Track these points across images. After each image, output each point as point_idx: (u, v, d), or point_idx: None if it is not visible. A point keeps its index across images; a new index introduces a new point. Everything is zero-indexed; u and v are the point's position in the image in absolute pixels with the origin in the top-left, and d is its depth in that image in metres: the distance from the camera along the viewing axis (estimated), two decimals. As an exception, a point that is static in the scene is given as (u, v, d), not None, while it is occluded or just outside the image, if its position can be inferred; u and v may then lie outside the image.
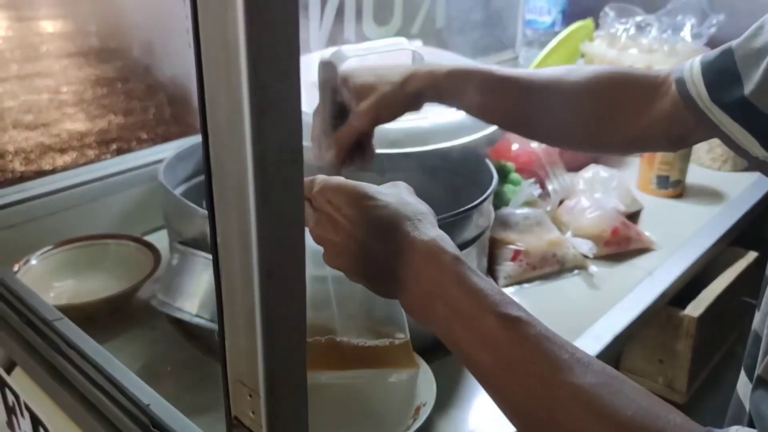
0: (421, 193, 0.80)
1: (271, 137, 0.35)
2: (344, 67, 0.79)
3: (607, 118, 0.75)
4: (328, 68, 0.79)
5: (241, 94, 0.33)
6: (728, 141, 0.66)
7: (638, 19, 1.37)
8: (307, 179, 0.56)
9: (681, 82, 0.69)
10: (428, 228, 0.52)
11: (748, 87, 0.62)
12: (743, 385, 0.57)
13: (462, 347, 0.48)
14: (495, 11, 1.73)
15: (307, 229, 0.55)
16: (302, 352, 0.41)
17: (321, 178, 0.55)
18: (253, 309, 0.38)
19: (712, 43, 1.33)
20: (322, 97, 0.80)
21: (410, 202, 0.54)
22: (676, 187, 1.19)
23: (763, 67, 0.61)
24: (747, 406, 0.52)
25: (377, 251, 0.51)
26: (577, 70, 0.77)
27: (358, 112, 0.75)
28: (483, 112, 0.79)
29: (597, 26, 1.44)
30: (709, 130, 0.68)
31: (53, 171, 0.90)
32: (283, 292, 0.38)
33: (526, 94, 0.76)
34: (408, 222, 0.52)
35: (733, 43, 0.66)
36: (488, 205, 0.87)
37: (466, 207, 0.80)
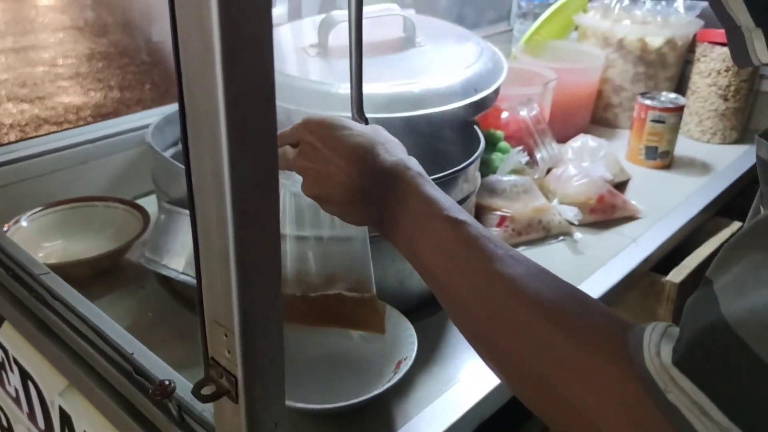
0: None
1: (243, 78, 0.35)
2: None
3: None
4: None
5: (212, 32, 0.34)
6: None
7: (632, -10, 1.36)
8: (286, 129, 0.60)
9: None
10: (397, 152, 0.58)
11: None
12: None
13: (417, 251, 0.53)
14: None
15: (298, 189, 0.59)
16: (277, 292, 0.42)
17: (304, 117, 0.60)
18: (227, 249, 0.39)
19: (704, 15, 1.33)
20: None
21: (383, 134, 0.60)
22: (664, 158, 1.20)
23: None
24: None
25: (353, 176, 0.56)
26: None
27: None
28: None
29: (591, -3, 1.44)
30: None
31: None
32: (257, 231, 0.39)
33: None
34: (380, 146, 0.57)
35: None
36: (474, 170, 0.88)
37: (451, 170, 0.81)
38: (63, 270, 0.80)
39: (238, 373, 0.42)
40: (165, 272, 0.76)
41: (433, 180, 0.79)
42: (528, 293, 0.45)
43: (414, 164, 0.57)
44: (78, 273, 0.84)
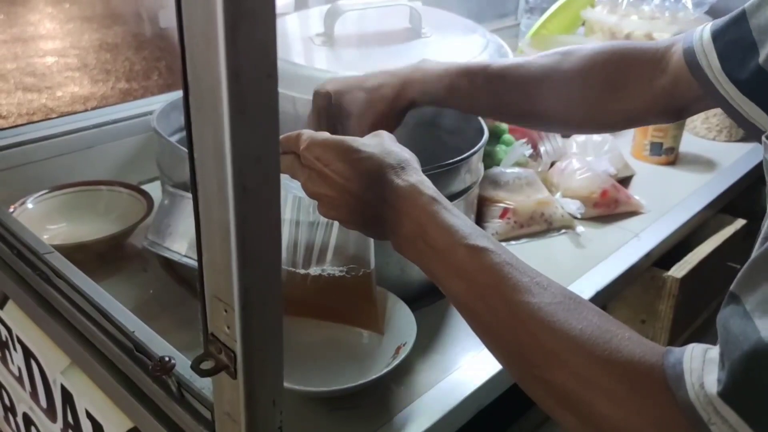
0: (414, 149, 0.82)
1: (245, 50, 0.35)
2: (333, 85, 0.79)
3: (606, 100, 0.75)
4: (320, 98, 0.78)
5: (215, 4, 0.34)
6: (734, 113, 0.64)
7: (640, -14, 1.36)
8: (293, 133, 0.59)
9: (690, 52, 0.67)
10: (410, 174, 0.56)
11: (764, 54, 0.59)
12: None
13: (440, 279, 0.52)
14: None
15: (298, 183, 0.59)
16: (277, 268, 0.42)
17: (307, 134, 0.58)
18: (228, 224, 0.39)
19: (712, 12, 1.33)
20: (316, 125, 0.78)
21: (393, 151, 0.58)
22: (669, 155, 1.20)
23: None
24: None
25: (367, 200, 0.55)
26: (574, 54, 0.77)
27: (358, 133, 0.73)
28: (480, 112, 0.84)
29: (599, -7, 1.43)
30: (714, 101, 0.65)
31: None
32: (258, 207, 0.39)
33: (522, 88, 0.77)
34: (391, 170, 0.56)
35: (746, 7, 0.63)
36: (477, 161, 0.88)
37: (453, 160, 0.81)
38: (67, 252, 0.81)
39: (237, 348, 0.42)
40: (167, 254, 0.77)
41: (436, 169, 0.80)
42: (556, 323, 0.45)
43: (428, 186, 0.55)
44: (81, 255, 0.84)
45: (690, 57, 0.67)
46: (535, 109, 0.78)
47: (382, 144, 0.58)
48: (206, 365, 0.44)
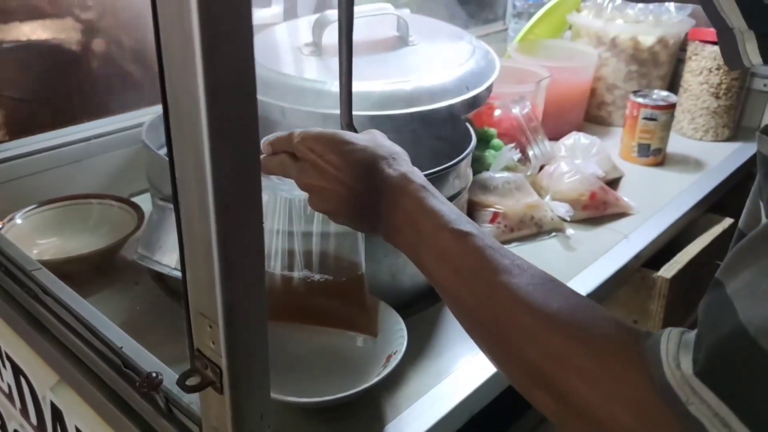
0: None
1: (223, 71, 0.36)
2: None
3: None
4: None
5: (192, 26, 0.34)
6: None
7: (625, -11, 1.37)
8: (283, 133, 0.60)
9: None
10: (400, 164, 0.58)
11: None
12: None
13: (425, 264, 0.54)
14: (485, -18, 1.73)
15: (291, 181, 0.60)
16: (261, 283, 0.42)
17: (299, 130, 0.59)
18: (210, 241, 0.39)
19: (695, 14, 1.34)
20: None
21: (384, 144, 0.60)
22: (656, 156, 1.20)
23: None
24: None
25: (358, 191, 0.57)
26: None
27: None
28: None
29: (585, -4, 1.44)
30: None
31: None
32: (239, 224, 0.40)
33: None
34: (383, 161, 0.58)
35: None
36: (465, 167, 0.88)
37: (441, 167, 0.82)
38: (57, 267, 0.81)
39: (222, 363, 0.43)
40: (158, 268, 0.77)
41: (425, 176, 0.80)
42: (534, 302, 0.46)
43: (417, 176, 0.58)
44: (72, 270, 0.84)
45: None
46: None
47: (374, 138, 0.60)
48: (192, 381, 0.44)
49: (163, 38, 0.37)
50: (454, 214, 0.53)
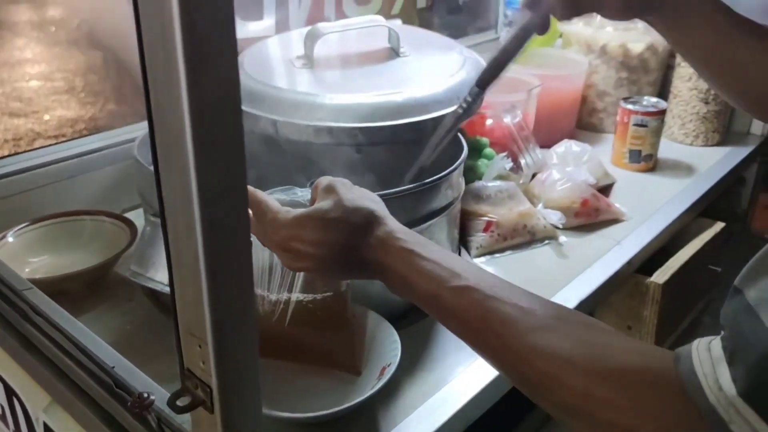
0: (396, 166, 0.81)
1: (207, 91, 0.36)
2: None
3: None
4: None
5: (175, 47, 0.34)
6: None
7: (614, -4, 1.37)
8: (258, 199, 0.59)
9: None
10: (378, 227, 0.57)
11: None
12: None
13: (437, 319, 0.55)
14: (474, -9, 1.74)
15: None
16: (249, 302, 0.42)
17: (270, 214, 0.58)
18: (197, 261, 0.39)
19: (686, 19, 1.34)
20: None
21: (356, 207, 0.57)
22: (648, 161, 1.21)
23: None
24: None
25: (344, 262, 0.57)
26: None
27: None
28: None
29: (574, 4, 1.45)
30: None
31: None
32: (226, 242, 0.40)
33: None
34: (360, 231, 0.57)
35: None
36: (457, 177, 0.88)
37: (434, 178, 0.82)
38: (49, 285, 0.81)
39: (212, 383, 0.42)
40: (150, 285, 0.77)
41: (418, 188, 0.81)
42: (547, 347, 0.46)
43: (398, 237, 0.56)
44: (65, 287, 0.84)
45: None
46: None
47: (341, 203, 0.57)
48: (183, 401, 0.44)
49: (147, 58, 0.37)
50: (446, 271, 0.53)
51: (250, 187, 0.59)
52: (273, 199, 0.60)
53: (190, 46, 0.34)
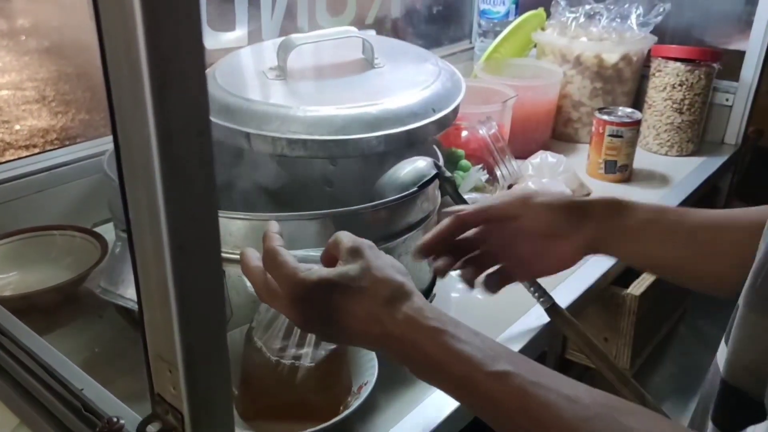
0: (371, 178, 0.79)
1: (175, 110, 0.35)
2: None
3: None
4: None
5: (141, 66, 0.33)
6: None
7: (588, 8, 1.39)
8: (272, 255, 0.55)
9: None
10: (406, 303, 0.53)
11: None
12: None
13: (467, 405, 0.52)
14: (450, 2, 1.74)
15: None
16: (221, 326, 0.41)
17: (287, 273, 0.53)
18: (166, 284, 0.38)
19: (657, 31, 1.36)
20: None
21: (385, 278, 0.54)
22: (623, 172, 1.22)
23: None
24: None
25: (366, 334, 0.53)
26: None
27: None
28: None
29: (549, 15, 1.46)
30: None
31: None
32: (196, 266, 0.38)
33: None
34: (387, 303, 0.52)
35: None
36: (433, 190, 0.88)
37: (409, 192, 0.81)
38: (15, 302, 0.79)
39: (183, 409, 0.41)
40: (121, 302, 0.75)
41: (392, 202, 0.80)
42: None
43: (427, 316, 0.52)
44: (32, 305, 0.82)
45: None
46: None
47: (369, 270, 0.54)
48: (153, 427, 0.43)
49: (112, 78, 0.36)
50: (482, 352, 0.50)
51: (266, 235, 0.56)
52: (288, 252, 0.55)
53: (157, 64, 0.33)
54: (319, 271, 0.53)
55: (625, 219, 0.68)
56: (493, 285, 0.73)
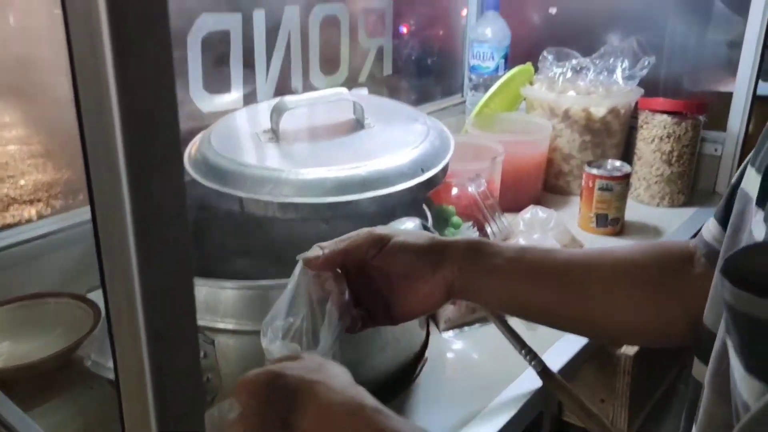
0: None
1: (153, 198, 0.36)
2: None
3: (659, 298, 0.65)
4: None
5: (116, 151, 0.34)
6: None
7: (574, 62, 1.42)
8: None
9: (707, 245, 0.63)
10: (340, 382, 0.54)
11: None
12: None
13: None
14: (441, 58, 1.78)
15: None
16: (198, 413, 0.41)
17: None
18: (143, 375, 0.38)
19: (643, 84, 1.39)
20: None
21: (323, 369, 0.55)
22: (614, 225, 1.22)
23: None
24: None
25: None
26: (611, 256, 0.69)
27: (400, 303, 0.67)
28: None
29: (537, 70, 1.49)
30: None
31: (18, 224, 0.94)
32: (172, 354, 0.39)
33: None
34: (319, 384, 0.53)
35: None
36: (422, 250, 0.88)
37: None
38: (6, 374, 0.79)
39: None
40: (110, 376, 0.75)
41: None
42: None
43: (364, 396, 0.53)
44: (23, 377, 0.82)
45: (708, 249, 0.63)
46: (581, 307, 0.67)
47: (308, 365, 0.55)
48: None
49: (90, 157, 0.36)
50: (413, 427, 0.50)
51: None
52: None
53: (133, 158, 0.34)
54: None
55: (487, 259, 0.66)
56: (353, 326, 0.67)
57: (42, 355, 0.84)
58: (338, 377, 0.54)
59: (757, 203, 0.49)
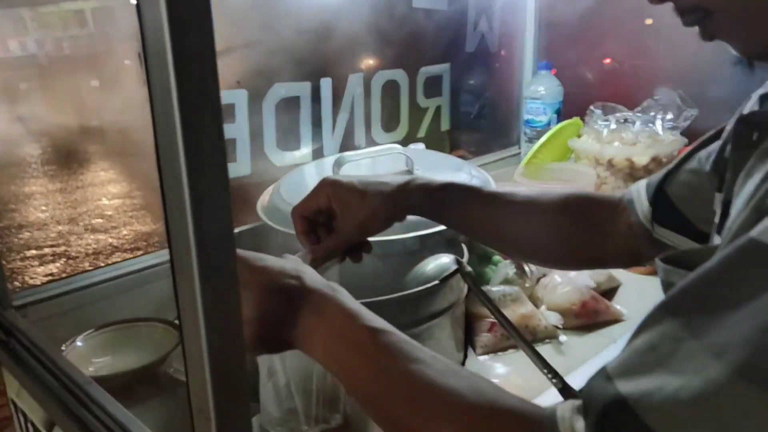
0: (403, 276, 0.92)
1: (206, 227, 0.50)
2: (334, 175, 0.87)
3: (576, 236, 0.86)
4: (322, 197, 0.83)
5: (183, 197, 0.49)
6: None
7: (619, 115, 1.51)
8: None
9: (631, 204, 0.83)
10: (312, 279, 0.62)
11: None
12: None
13: (337, 358, 0.58)
14: (497, 113, 1.91)
15: None
16: (244, 383, 0.54)
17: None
18: (205, 379, 0.52)
19: (686, 133, 1.46)
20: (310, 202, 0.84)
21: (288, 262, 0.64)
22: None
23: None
24: None
25: (268, 307, 0.59)
26: (550, 192, 0.90)
27: (346, 228, 0.81)
28: (464, 227, 0.92)
29: (585, 123, 1.59)
30: (658, 247, 0.79)
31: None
32: (225, 364, 0.52)
33: (507, 210, 0.87)
34: (290, 277, 0.61)
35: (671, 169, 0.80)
36: (456, 282, 1.00)
37: (431, 284, 0.94)
38: (108, 381, 0.95)
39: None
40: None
41: (417, 293, 0.92)
42: (446, 388, 0.53)
43: (332, 287, 0.61)
44: (121, 383, 0.98)
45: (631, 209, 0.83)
46: (515, 234, 0.88)
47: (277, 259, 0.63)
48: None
49: (168, 201, 0.52)
50: (369, 315, 0.58)
51: None
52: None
53: (193, 198, 0.49)
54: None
55: (444, 189, 0.86)
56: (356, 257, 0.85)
57: (136, 366, 1.00)
58: (304, 273, 0.62)
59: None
